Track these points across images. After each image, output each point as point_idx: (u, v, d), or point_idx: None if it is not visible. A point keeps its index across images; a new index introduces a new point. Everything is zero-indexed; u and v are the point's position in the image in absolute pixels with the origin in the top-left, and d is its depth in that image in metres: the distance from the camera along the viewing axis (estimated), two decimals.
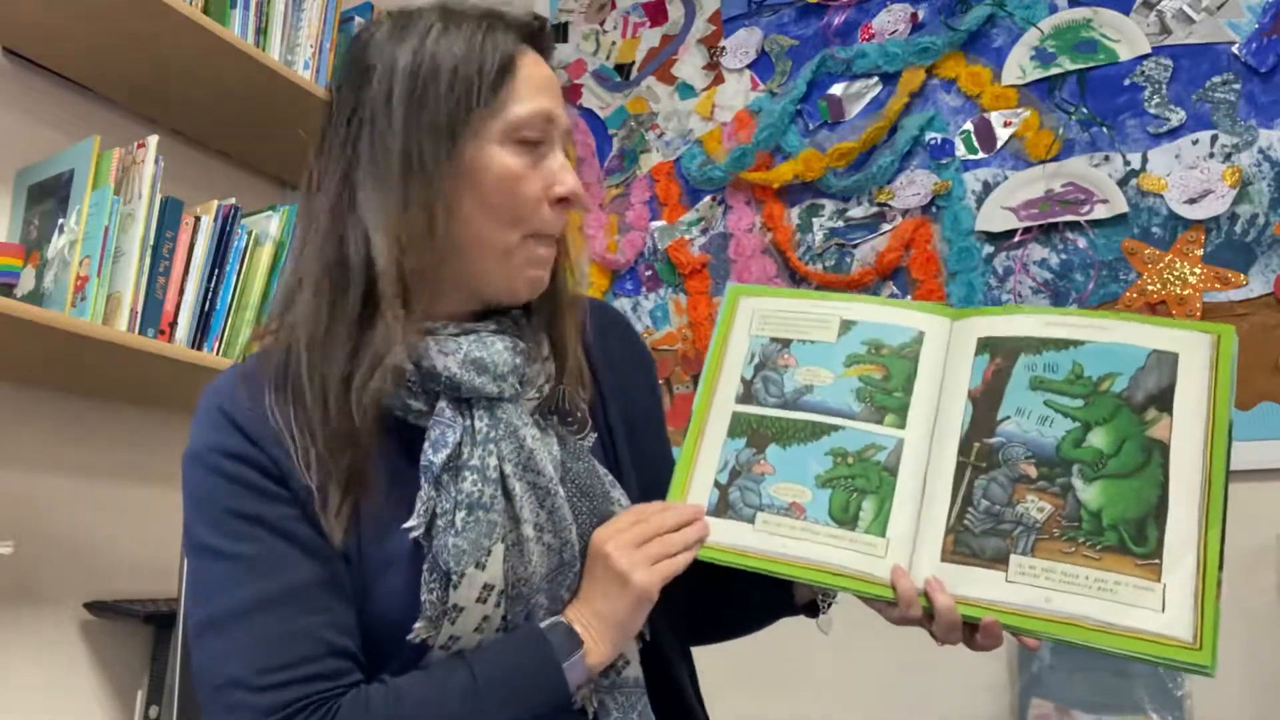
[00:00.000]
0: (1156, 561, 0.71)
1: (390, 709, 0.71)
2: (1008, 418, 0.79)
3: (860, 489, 0.80)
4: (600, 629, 0.76)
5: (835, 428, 0.83)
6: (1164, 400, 0.76)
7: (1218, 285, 1.50)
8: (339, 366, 0.75)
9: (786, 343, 0.88)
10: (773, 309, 0.91)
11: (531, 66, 0.80)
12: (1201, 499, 0.73)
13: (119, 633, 1.54)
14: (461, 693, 0.72)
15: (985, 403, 0.80)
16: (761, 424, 0.85)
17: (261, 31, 1.67)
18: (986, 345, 0.82)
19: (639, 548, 0.77)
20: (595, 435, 0.88)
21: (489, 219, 0.79)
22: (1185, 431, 0.75)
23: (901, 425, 0.82)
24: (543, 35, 0.82)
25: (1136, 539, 0.73)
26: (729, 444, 0.86)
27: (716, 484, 0.84)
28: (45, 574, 1.47)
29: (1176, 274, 1.52)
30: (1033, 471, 0.77)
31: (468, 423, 0.78)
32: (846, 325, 0.87)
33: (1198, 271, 1.51)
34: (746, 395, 0.87)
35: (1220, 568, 0.71)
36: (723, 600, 0.94)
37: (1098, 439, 0.76)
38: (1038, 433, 0.78)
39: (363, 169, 0.77)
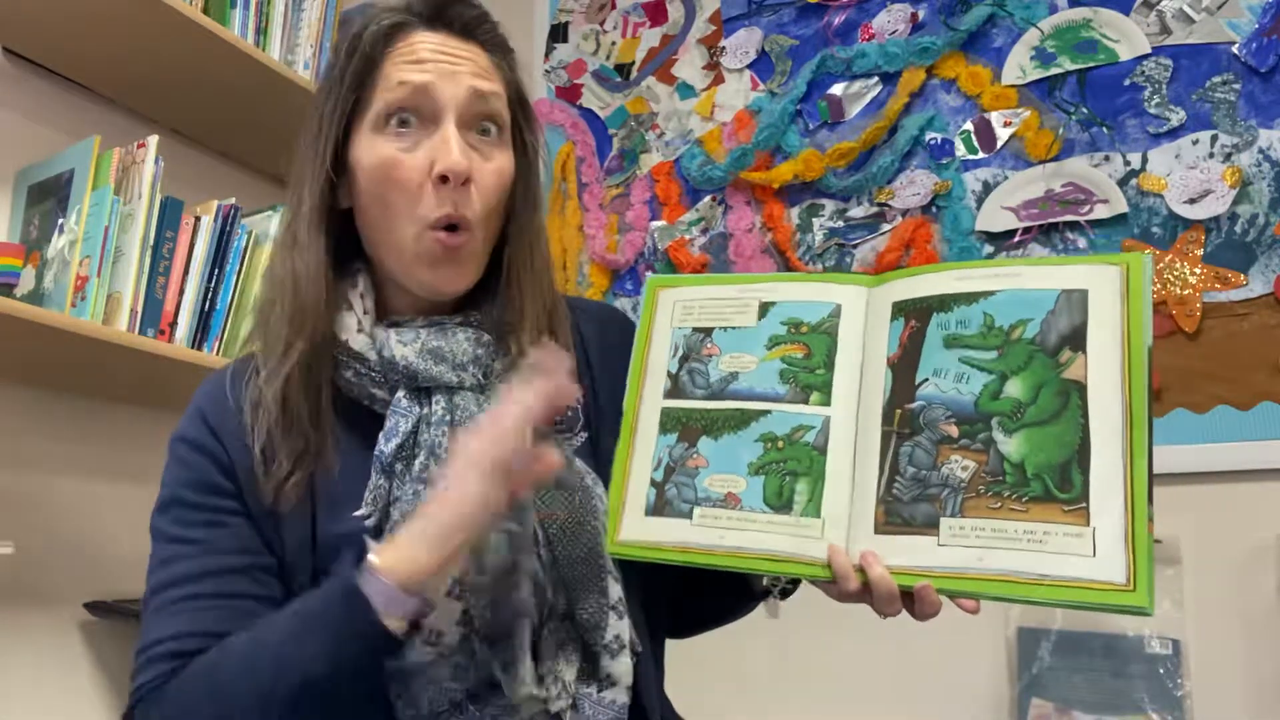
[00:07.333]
0: (1084, 505, 0.69)
1: (214, 659, 0.71)
2: (926, 380, 0.77)
3: (792, 472, 0.79)
4: (415, 533, 0.68)
5: (763, 413, 0.82)
6: (1077, 339, 0.74)
7: (1218, 285, 1.50)
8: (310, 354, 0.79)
9: (708, 331, 0.87)
10: (692, 298, 0.89)
11: (413, 44, 0.78)
12: (1124, 434, 0.70)
13: (119, 633, 1.53)
14: (282, 630, 0.70)
15: (904, 368, 0.79)
16: (691, 417, 0.85)
17: (261, 31, 1.66)
18: (901, 309, 0.80)
19: (484, 455, 0.69)
20: (585, 435, 0.88)
21: (380, 211, 0.80)
22: (1101, 368, 0.72)
23: (827, 402, 0.81)
24: (446, 11, 0.80)
25: (1061, 485, 0.70)
26: (661, 441, 0.85)
27: (652, 482, 0.83)
28: (45, 574, 1.47)
29: (1176, 274, 1.52)
30: (954, 431, 0.75)
31: (424, 410, 0.78)
32: (765, 307, 0.86)
33: (1198, 271, 1.51)
34: (674, 390, 0.86)
35: (1150, 501, 0.68)
36: (684, 595, 0.94)
37: (1014, 389, 0.74)
38: (956, 391, 0.76)
39: (310, 169, 0.83)
